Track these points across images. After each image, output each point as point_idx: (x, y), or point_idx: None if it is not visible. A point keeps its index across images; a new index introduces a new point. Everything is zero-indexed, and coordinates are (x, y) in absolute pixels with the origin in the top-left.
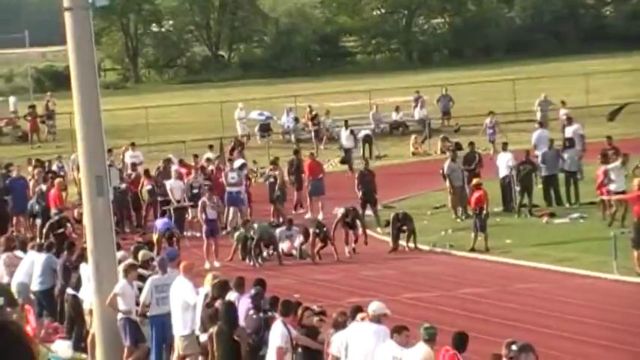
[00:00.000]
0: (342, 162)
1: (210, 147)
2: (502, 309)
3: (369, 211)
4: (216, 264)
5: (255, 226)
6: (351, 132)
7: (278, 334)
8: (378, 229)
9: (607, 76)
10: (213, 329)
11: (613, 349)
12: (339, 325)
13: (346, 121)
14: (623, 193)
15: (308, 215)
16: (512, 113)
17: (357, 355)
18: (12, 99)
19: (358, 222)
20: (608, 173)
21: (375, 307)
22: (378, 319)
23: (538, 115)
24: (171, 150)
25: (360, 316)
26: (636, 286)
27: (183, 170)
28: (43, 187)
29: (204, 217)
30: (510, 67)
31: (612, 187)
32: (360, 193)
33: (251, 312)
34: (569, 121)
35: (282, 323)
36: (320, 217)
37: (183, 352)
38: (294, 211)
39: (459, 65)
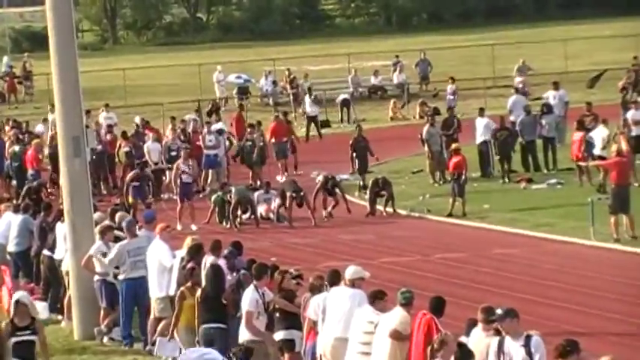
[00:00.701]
0: (322, 125)
1: (196, 111)
2: (479, 274)
3: (345, 175)
4: (193, 227)
5: (233, 189)
6: (315, 98)
7: (248, 298)
8: (356, 194)
9: (587, 42)
10: (197, 294)
11: (590, 314)
12: (316, 289)
13: (309, 88)
14: (602, 159)
15: (281, 178)
16: (490, 78)
17: (334, 319)
18: (5, 59)
19: (337, 190)
20: (591, 139)
21: (351, 271)
22: (353, 283)
23: (516, 81)
24: (149, 112)
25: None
26: (613, 252)
27: (150, 133)
28: (16, 148)
29: (178, 181)
30: (490, 32)
31: (596, 152)
32: (357, 161)
33: (227, 273)
34: (555, 86)
35: (253, 287)
36: (281, 179)
37: (159, 314)
38: (295, 172)
39: (438, 30)
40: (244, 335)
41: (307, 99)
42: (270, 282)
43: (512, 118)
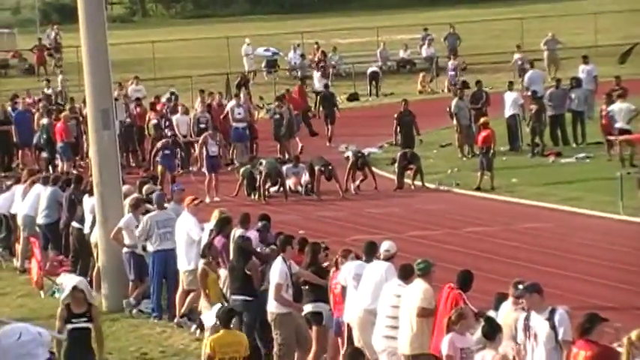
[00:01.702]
0: (350, 99)
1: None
2: (507, 248)
3: (374, 149)
4: (217, 198)
5: (263, 162)
6: (323, 73)
7: (277, 270)
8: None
9: (617, 15)
10: (227, 265)
11: (617, 288)
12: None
13: (317, 63)
14: (628, 132)
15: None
16: (519, 52)
17: (364, 290)
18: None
19: (366, 167)
20: (612, 112)
21: (387, 246)
22: (388, 257)
23: (545, 55)
24: (178, 85)
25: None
26: None
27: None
28: (45, 120)
29: (204, 152)
30: (519, 5)
31: (617, 125)
32: (400, 135)
33: (259, 246)
34: (585, 60)
35: (281, 259)
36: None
37: (188, 286)
38: (329, 143)
39: (467, 3)
40: (272, 307)
41: (316, 74)
42: (299, 255)
43: (528, 92)
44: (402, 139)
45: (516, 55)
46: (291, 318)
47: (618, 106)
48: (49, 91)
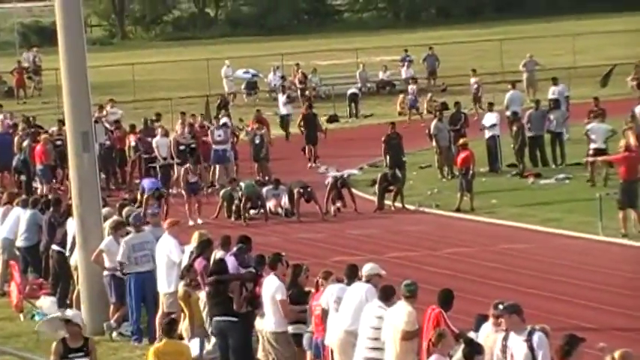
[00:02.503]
0: (330, 120)
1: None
2: (487, 269)
3: (354, 170)
4: (199, 221)
5: (242, 185)
6: (288, 97)
7: (276, 287)
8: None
9: (596, 36)
10: (205, 290)
11: (598, 309)
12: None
13: (283, 87)
14: (604, 152)
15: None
16: (499, 73)
17: (345, 312)
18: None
19: (346, 189)
20: (587, 132)
21: (368, 267)
22: (369, 279)
23: (524, 76)
24: (158, 107)
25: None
26: (621, 247)
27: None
28: (25, 143)
29: (185, 180)
30: (499, 27)
31: (592, 146)
32: (388, 157)
33: (237, 269)
34: (555, 81)
35: (275, 276)
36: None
37: (168, 309)
38: (311, 164)
39: (446, 25)
40: (275, 325)
41: (280, 97)
42: (283, 275)
43: (508, 113)
44: (390, 161)
45: (472, 80)
46: (289, 336)
47: (596, 126)
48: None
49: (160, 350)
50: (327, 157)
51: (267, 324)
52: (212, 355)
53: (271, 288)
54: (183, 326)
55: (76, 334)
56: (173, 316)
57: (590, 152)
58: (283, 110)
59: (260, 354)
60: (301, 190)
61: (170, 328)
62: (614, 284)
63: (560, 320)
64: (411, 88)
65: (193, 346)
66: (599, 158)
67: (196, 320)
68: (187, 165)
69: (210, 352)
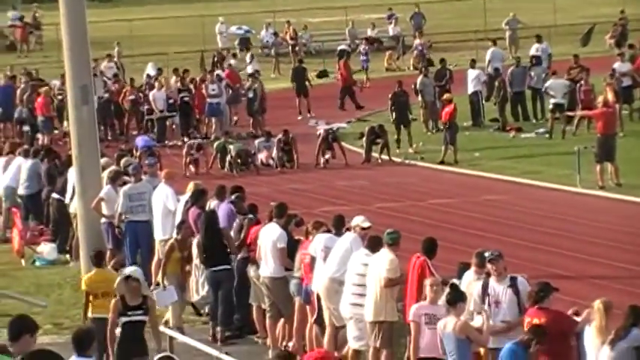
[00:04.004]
0: (319, 76)
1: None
2: (469, 219)
3: (343, 124)
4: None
5: (232, 147)
6: (252, 56)
7: (278, 234)
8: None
9: None
10: (196, 239)
11: (574, 258)
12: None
13: (247, 47)
14: (562, 106)
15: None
16: (482, 31)
17: (331, 260)
18: (10, 13)
19: (336, 143)
20: (546, 89)
21: (357, 220)
22: (355, 230)
23: (507, 34)
24: (154, 61)
25: None
26: (598, 199)
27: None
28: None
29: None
30: None
31: (552, 101)
32: (394, 114)
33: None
34: (539, 39)
35: (277, 224)
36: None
37: (163, 255)
38: (308, 115)
39: None
40: (272, 271)
41: (248, 57)
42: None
43: (489, 69)
44: (396, 118)
45: (416, 41)
46: (287, 282)
47: (554, 82)
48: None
49: (92, 279)
50: (317, 110)
51: (265, 270)
52: (207, 300)
53: (273, 235)
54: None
55: (136, 290)
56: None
57: (550, 107)
58: (249, 69)
59: (252, 299)
60: (282, 138)
61: (98, 259)
62: (590, 234)
63: (538, 268)
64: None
65: (165, 294)
66: (579, 113)
67: (170, 272)
68: (190, 142)
69: (204, 297)
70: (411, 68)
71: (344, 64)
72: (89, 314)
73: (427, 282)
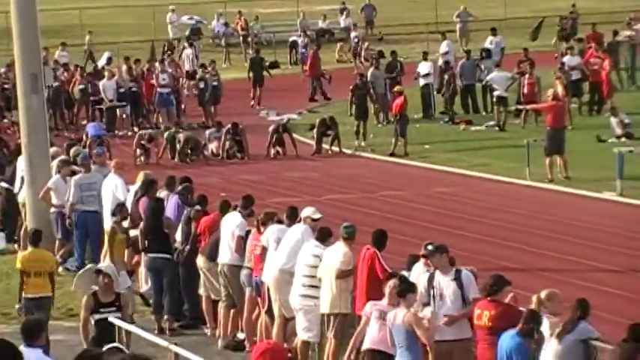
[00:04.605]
0: (271, 67)
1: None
2: (419, 211)
3: (294, 115)
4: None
5: (181, 136)
6: (194, 52)
7: (238, 223)
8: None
9: None
10: (141, 226)
11: (523, 250)
12: (268, 221)
13: (191, 43)
14: (505, 99)
15: None
16: (433, 24)
17: (281, 251)
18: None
19: (287, 134)
20: (488, 82)
21: (306, 211)
22: (306, 222)
23: (457, 27)
24: (104, 51)
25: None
26: (547, 192)
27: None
28: None
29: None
30: None
31: (495, 94)
32: (354, 106)
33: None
34: (493, 32)
35: (239, 213)
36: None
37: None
38: (258, 107)
39: None
40: (227, 258)
41: (187, 51)
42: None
43: (440, 61)
44: (356, 111)
45: (353, 34)
46: (239, 271)
47: (497, 75)
48: None
49: (26, 258)
50: (268, 100)
51: (223, 257)
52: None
53: (234, 223)
54: (105, 262)
55: (108, 286)
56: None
57: (495, 100)
58: (189, 66)
59: (201, 290)
60: (230, 129)
61: (35, 237)
62: (539, 227)
63: (486, 260)
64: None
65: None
66: (529, 107)
67: (117, 257)
68: (141, 132)
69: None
70: (362, 60)
71: (313, 55)
72: (23, 294)
73: (390, 284)
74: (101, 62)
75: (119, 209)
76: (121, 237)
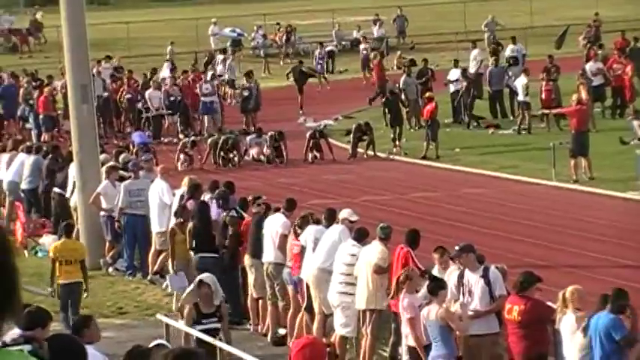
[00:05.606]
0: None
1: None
2: (450, 211)
3: (330, 121)
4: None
5: (222, 137)
6: (224, 63)
7: (282, 223)
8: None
9: None
10: (189, 226)
11: (550, 248)
12: (306, 222)
13: (224, 49)
14: (527, 104)
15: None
16: (462, 33)
17: (319, 251)
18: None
19: (324, 140)
20: (515, 87)
21: (344, 213)
22: (344, 222)
23: (485, 36)
24: (150, 62)
25: None
26: (572, 192)
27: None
28: (34, 92)
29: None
30: None
31: (520, 98)
32: (389, 115)
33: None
34: (513, 40)
35: (283, 214)
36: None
37: (160, 247)
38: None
39: None
40: (272, 257)
41: (219, 56)
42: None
43: (471, 69)
44: (390, 119)
45: (362, 46)
46: (282, 269)
47: (520, 81)
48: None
49: (58, 248)
50: (306, 107)
51: (268, 256)
52: None
53: (277, 223)
54: (173, 262)
55: (209, 297)
56: (164, 254)
57: (517, 105)
58: (226, 73)
59: (251, 288)
60: (276, 136)
61: (67, 229)
62: (565, 225)
63: (515, 258)
64: (319, 52)
65: (177, 279)
66: (554, 111)
67: (177, 256)
68: (185, 140)
69: None
70: (395, 68)
71: (378, 63)
72: (57, 281)
73: (403, 272)
74: (163, 73)
75: (182, 211)
76: (181, 237)
